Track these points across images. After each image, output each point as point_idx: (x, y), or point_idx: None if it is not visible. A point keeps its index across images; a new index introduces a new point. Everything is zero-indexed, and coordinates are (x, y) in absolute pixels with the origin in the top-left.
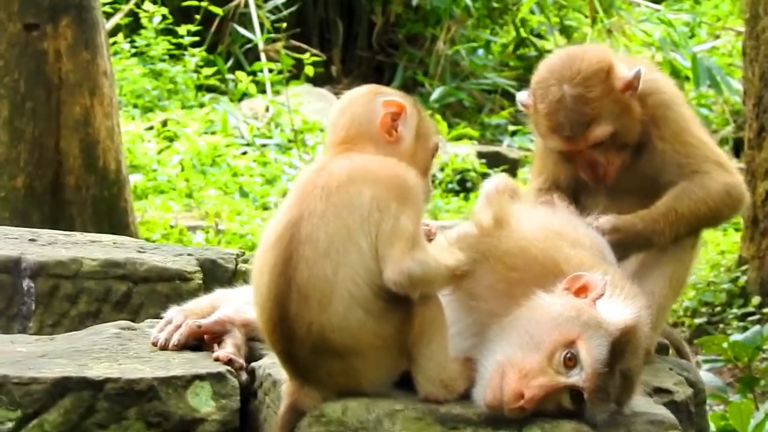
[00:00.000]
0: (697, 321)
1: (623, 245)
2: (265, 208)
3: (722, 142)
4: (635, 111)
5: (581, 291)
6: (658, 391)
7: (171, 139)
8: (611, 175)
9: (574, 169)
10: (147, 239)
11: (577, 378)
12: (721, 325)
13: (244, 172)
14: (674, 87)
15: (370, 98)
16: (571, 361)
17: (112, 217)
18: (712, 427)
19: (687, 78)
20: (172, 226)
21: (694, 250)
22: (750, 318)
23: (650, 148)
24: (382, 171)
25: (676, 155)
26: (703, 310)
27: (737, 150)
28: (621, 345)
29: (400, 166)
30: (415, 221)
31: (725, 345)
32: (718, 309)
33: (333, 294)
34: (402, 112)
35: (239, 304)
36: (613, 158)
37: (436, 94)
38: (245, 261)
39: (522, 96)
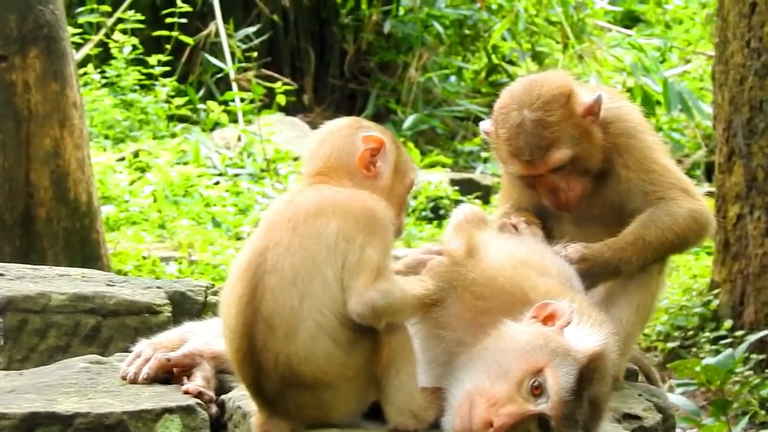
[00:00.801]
0: (670, 345)
1: (591, 274)
2: (238, 238)
3: (694, 166)
4: (596, 137)
5: (549, 319)
6: (627, 417)
7: (143, 170)
8: (573, 201)
9: (538, 196)
10: (119, 271)
11: (544, 406)
12: (694, 349)
13: (216, 202)
14: (638, 114)
15: (351, 132)
16: (539, 389)
17: (84, 249)
18: None
19: (659, 102)
20: (144, 258)
21: (661, 276)
22: (722, 341)
23: (615, 176)
24: (349, 203)
25: (641, 183)
26: (676, 334)
27: (709, 174)
28: (589, 372)
29: (369, 197)
30: (381, 252)
31: (698, 369)
32: (690, 333)
33: (299, 324)
34: (382, 147)
35: (208, 337)
36: (574, 184)
37: (408, 122)
38: (215, 293)
39: (485, 124)
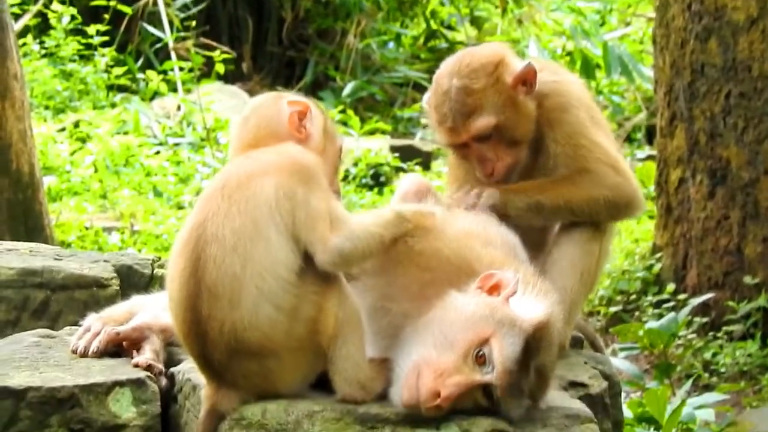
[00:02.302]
0: (613, 309)
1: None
2: (180, 207)
3: (635, 129)
4: (525, 107)
5: (494, 289)
6: (573, 385)
7: (83, 140)
8: (501, 171)
9: (473, 169)
10: (63, 242)
11: (490, 376)
12: (637, 313)
13: (157, 172)
14: (577, 89)
15: (275, 100)
16: (483, 359)
17: (27, 220)
18: (630, 414)
19: (598, 66)
20: (87, 228)
21: (605, 243)
22: (665, 305)
23: (545, 150)
24: (278, 158)
25: (567, 158)
26: (619, 298)
27: (650, 137)
28: (535, 341)
29: (295, 149)
30: (325, 198)
31: (641, 332)
32: (633, 297)
33: (242, 291)
34: (307, 111)
35: (157, 310)
36: (502, 154)
37: (347, 89)
38: (161, 266)
39: (425, 97)
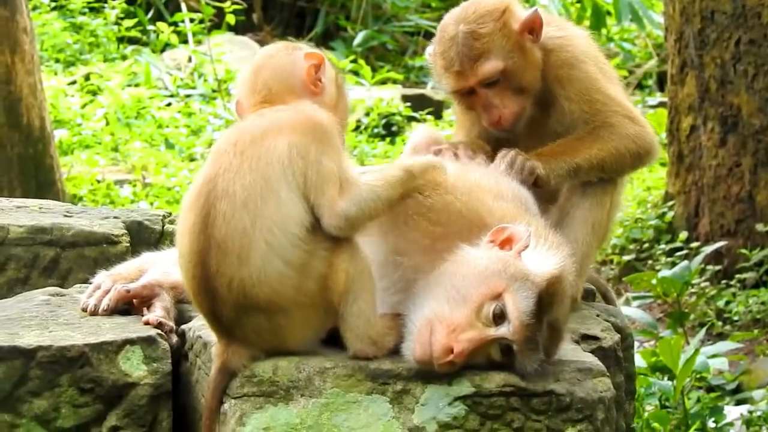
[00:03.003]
0: (626, 258)
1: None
2: (192, 159)
3: (646, 75)
4: (532, 54)
5: (506, 243)
6: (585, 338)
7: (94, 93)
8: (507, 119)
9: (479, 119)
10: (74, 195)
11: (505, 330)
12: (650, 262)
13: (169, 124)
14: (583, 43)
15: (290, 52)
16: (498, 314)
17: (38, 174)
18: (643, 363)
19: (609, 13)
20: (98, 181)
21: (616, 194)
22: (678, 253)
23: (558, 107)
24: (294, 117)
25: (584, 114)
26: (631, 247)
27: (661, 84)
28: (548, 296)
29: (311, 108)
30: (337, 160)
31: (654, 281)
32: (646, 245)
33: (251, 246)
34: (322, 63)
35: (167, 267)
36: (508, 101)
37: (358, 39)
38: (171, 222)
39: (428, 49)
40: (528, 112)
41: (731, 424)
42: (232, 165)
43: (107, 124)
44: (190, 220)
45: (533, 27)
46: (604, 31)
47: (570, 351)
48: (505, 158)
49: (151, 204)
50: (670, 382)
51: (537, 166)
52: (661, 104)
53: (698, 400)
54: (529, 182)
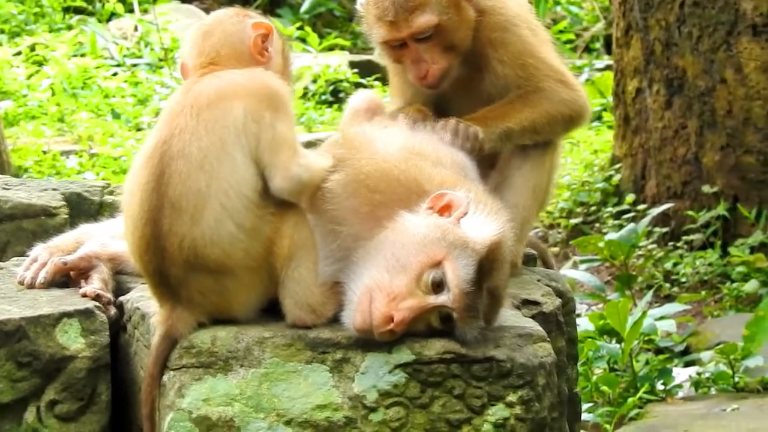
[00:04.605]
0: (573, 221)
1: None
2: (138, 129)
3: (593, 39)
4: (466, 12)
5: (445, 209)
6: (526, 303)
7: (40, 64)
8: (435, 75)
9: (405, 73)
10: (20, 167)
11: (444, 298)
12: (597, 225)
13: (115, 94)
14: (514, 5)
15: (240, 19)
16: (438, 282)
17: None
18: (591, 327)
19: None
20: (44, 152)
21: (555, 157)
22: (625, 216)
23: (491, 70)
24: (249, 82)
25: (517, 78)
26: (578, 210)
27: (608, 47)
28: (487, 262)
29: (267, 75)
30: (290, 127)
31: (601, 244)
32: (593, 208)
33: (206, 206)
34: (270, 33)
35: (104, 239)
36: (438, 58)
37: (306, 5)
38: (111, 193)
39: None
40: (455, 71)
41: (680, 386)
42: (188, 126)
43: (53, 94)
44: (142, 179)
45: None
46: None
47: (510, 316)
48: (447, 127)
49: (98, 174)
50: (618, 345)
51: (479, 131)
52: (609, 67)
53: (647, 363)
54: (475, 148)
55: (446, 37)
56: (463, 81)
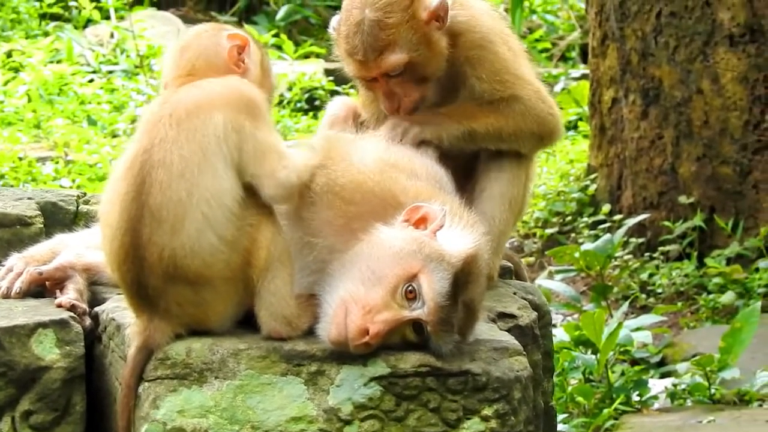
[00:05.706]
0: (548, 231)
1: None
2: (114, 135)
3: (569, 48)
4: (438, 44)
5: (420, 222)
6: (502, 317)
7: (16, 70)
8: (407, 107)
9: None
10: None
11: (420, 311)
12: (573, 235)
13: (91, 100)
14: (490, 22)
15: (215, 32)
16: (413, 295)
17: None
18: (567, 337)
19: None
20: (20, 159)
21: (531, 170)
22: (601, 226)
23: (469, 87)
24: (226, 92)
25: (494, 93)
26: (554, 220)
27: (585, 56)
28: (463, 275)
29: (241, 82)
30: (270, 131)
31: (577, 254)
32: (568, 218)
33: (186, 216)
34: (246, 45)
35: (80, 249)
36: (410, 91)
37: (281, 13)
38: (86, 202)
39: (334, 20)
40: (431, 96)
41: (656, 397)
42: (168, 135)
43: (29, 101)
44: (122, 189)
45: (440, 15)
46: (527, 2)
47: (486, 330)
48: (387, 126)
49: (73, 181)
50: (593, 356)
51: (420, 132)
52: (584, 76)
53: (622, 374)
54: (414, 147)
55: (418, 71)
56: (441, 97)
